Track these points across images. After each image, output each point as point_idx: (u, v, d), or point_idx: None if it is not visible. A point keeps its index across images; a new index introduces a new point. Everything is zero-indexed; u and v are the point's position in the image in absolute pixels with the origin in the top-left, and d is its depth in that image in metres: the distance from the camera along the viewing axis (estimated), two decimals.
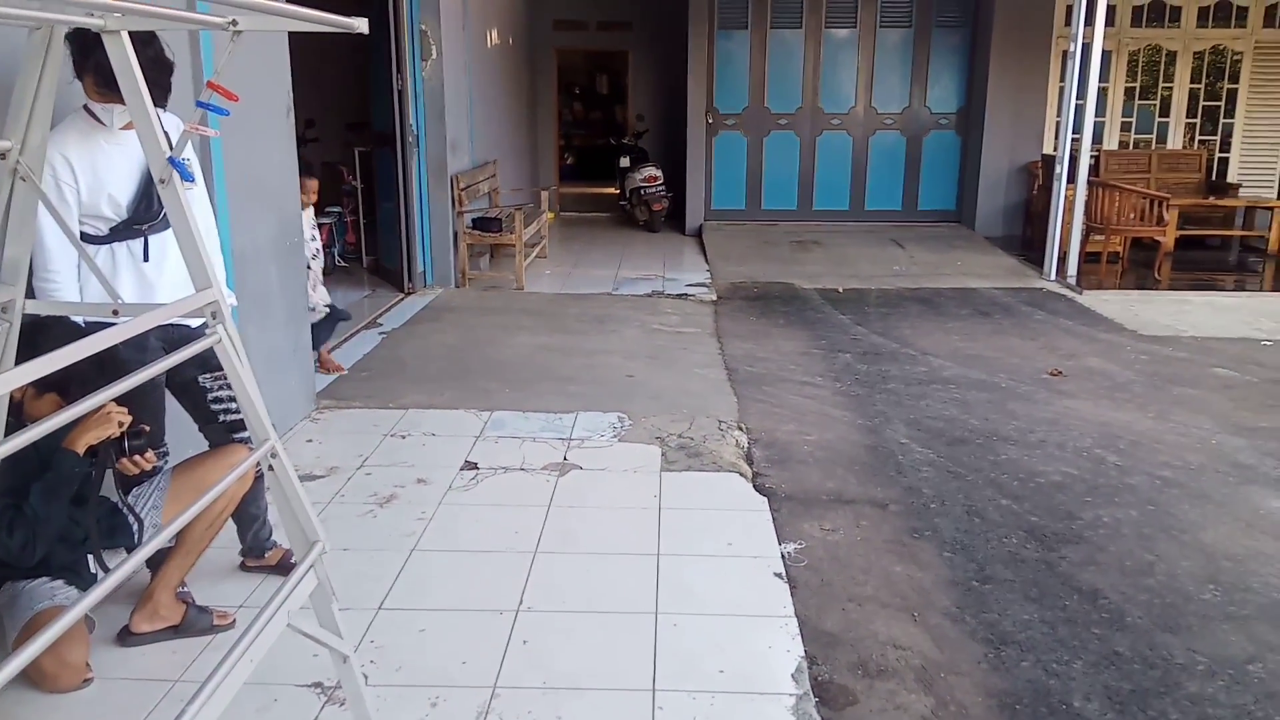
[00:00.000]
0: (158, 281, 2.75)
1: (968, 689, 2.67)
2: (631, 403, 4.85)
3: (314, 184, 5.42)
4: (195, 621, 2.73)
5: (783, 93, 10.84)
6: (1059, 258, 8.26)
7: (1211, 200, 9.70)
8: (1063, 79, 8.77)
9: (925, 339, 6.39)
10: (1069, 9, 8.34)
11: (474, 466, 4.03)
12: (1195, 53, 10.40)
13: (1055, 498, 3.92)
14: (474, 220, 7.84)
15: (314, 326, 5.01)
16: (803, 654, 2.75)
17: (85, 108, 2.62)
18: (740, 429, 4.57)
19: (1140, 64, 10.54)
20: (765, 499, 3.80)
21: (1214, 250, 9.71)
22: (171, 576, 2.72)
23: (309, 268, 5.10)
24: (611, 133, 14.34)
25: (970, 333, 6.60)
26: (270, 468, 1.95)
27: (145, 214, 2.70)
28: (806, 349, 6.14)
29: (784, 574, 3.21)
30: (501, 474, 3.97)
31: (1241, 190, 10.16)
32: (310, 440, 4.31)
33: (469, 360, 5.47)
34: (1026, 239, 9.89)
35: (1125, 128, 10.67)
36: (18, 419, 2.41)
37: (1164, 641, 2.91)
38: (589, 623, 2.88)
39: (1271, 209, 9.53)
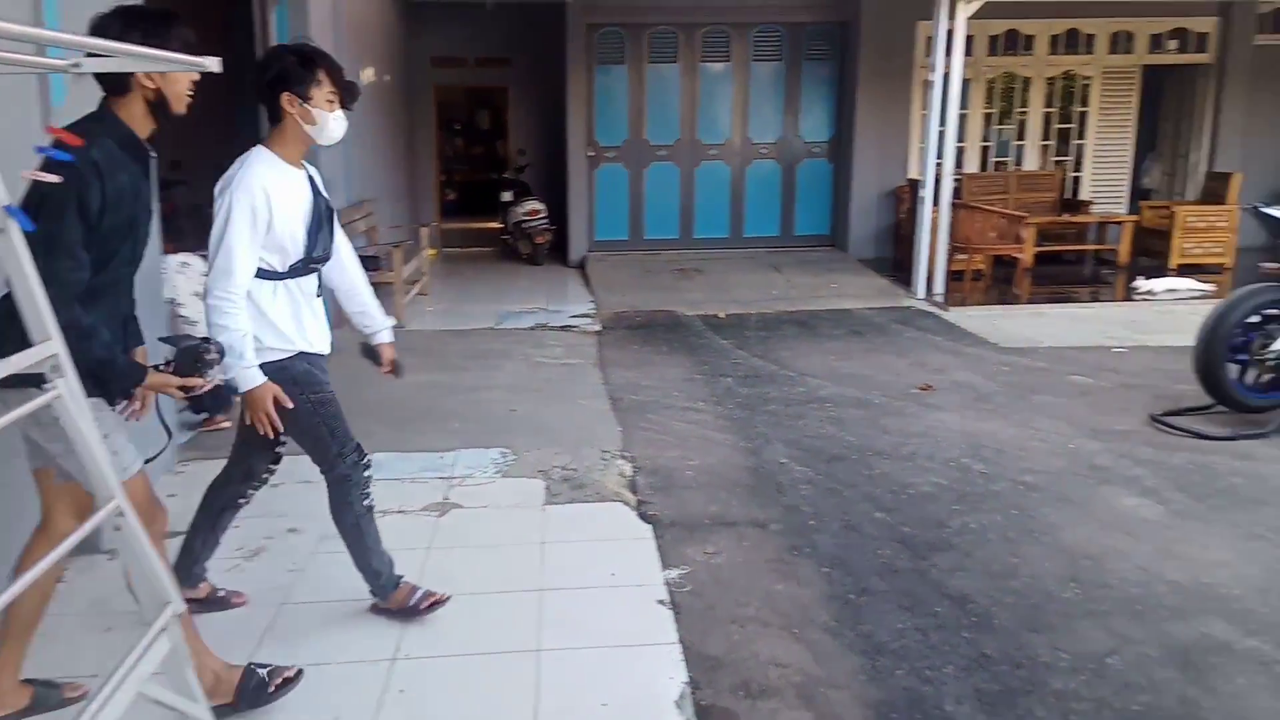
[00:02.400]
0: (321, 315, 2.93)
1: (846, 702, 2.71)
2: (514, 437, 4.81)
3: None
4: (45, 699, 2.55)
5: (662, 125, 11.02)
6: (926, 277, 8.58)
7: (1066, 217, 10.27)
8: (925, 107, 9.13)
9: (803, 360, 6.54)
10: (929, 40, 8.72)
11: None
12: (1048, 79, 11.01)
13: (926, 508, 4.05)
14: None
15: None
16: (686, 680, 2.76)
17: (265, 145, 2.73)
18: (624, 458, 4.58)
19: (997, 90, 11.11)
20: (649, 526, 3.81)
21: (1069, 265, 10.24)
22: (6, 661, 2.50)
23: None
24: (493, 168, 14.29)
25: (845, 352, 6.79)
26: (117, 528, 1.85)
27: (324, 251, 2.85)
28: (689, 375, 6.21)
29: (668, 600, 3.22)
30: (379, 518, 3.85)
31: (1093, 207, 10.80)
32: (172, 495, 4.10)
33: (345, 402, 5.22)
34: (896, 260, 10.21)
35: (985, 151, 11.21)
36: None
37: (1029, 641, 3.03)
38: (469, 665, 2.83)
39: (1121, 223, 10.18)
